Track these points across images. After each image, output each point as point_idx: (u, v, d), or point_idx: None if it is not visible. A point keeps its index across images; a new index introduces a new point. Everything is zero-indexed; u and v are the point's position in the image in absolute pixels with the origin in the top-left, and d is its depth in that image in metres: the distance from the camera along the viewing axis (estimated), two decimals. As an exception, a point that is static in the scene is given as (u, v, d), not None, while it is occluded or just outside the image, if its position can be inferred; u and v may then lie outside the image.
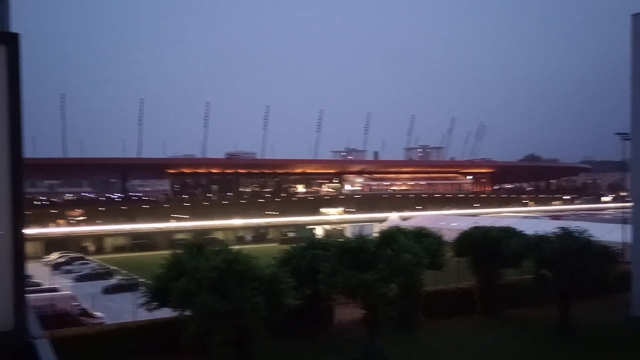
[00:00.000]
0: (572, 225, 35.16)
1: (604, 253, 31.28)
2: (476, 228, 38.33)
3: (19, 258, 3.02)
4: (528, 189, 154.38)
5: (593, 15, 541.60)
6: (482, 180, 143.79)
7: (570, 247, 30.30)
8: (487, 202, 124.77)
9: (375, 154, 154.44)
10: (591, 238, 32.14)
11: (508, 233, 36.32)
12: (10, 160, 2.98)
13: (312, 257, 31.40)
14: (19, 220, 3.03)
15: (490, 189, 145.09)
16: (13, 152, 2.99)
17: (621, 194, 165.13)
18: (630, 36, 35.31)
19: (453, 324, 34.62)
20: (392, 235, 31.01)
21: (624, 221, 70.74)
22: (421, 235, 35.35)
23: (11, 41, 2.99)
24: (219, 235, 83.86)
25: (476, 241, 36.19)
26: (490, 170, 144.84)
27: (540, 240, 32.61)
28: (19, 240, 3.02)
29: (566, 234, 32.22)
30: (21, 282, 3.05)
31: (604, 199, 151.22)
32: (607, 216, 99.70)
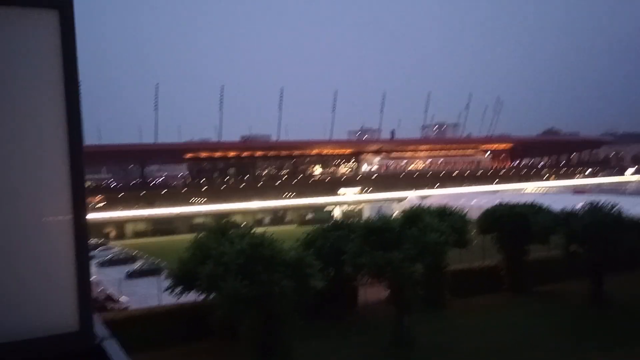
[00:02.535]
0: (597, 198, 34.48)
1: (636, 226, 30.64)
2: (501, 204, 37.80)
3: (82, 249, 2.63)
4: (548, 163, 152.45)
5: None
6: (500, 156, 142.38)
7: (601, 221, 29.68)
8: (506, 178, 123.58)
9: (392, 132, 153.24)
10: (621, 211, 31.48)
11: (534, 209, 35.76)
12: (69, 142, 2.58)
13: (336, 238, 31.21)
14: (80, 206, 2.63)
15: (510, 164, 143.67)
16: (71, 133, 2.60)
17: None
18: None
19: (481, 301, 34.28)
20: (416, 214, 30.60)
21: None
22: (445, 213, 34.96)
23: (64, 5, 2.56)
24: (238, 219, 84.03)
25: (502, 218, 35.69)
26: (508, 146, 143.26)
27: (569, 215, 32.03)
28: (81, 229, 2.62)
29: (595, 208, 31.59)
30: (85, 276, 2.66)
31: (627, 171, 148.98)
32: (631, 188, 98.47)
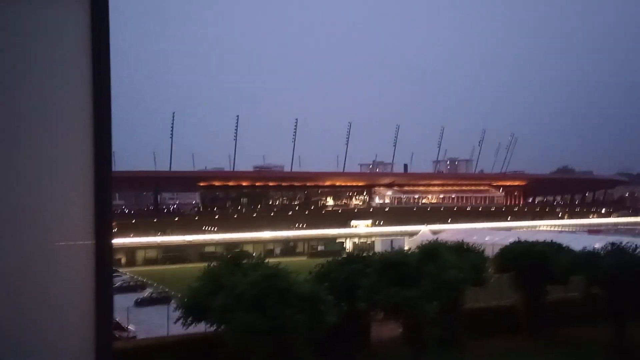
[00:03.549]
0: (612, 239, 33.50)
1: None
2: (519, 242, 36.98)
3: (104, 276, 2.37)
4: (562, 201, 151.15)
5: (629, 19, 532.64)
6: (514, 192, 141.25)
7: (625, 263, 28.79)
8: (519, 215, 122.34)
9: (405, 166, 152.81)
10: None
11: (553, 248, 34.90)
12: (94, 162, 2.34)
13: (350, 272, 30.51)
14: (105, 229, 2.38)
15: (523, 201, 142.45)
16: (98, 151, 2.35)
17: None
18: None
19: (497, 343, 33.13)
20: (434, 249, 29.95)
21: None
22: (462, 249, 34.26)
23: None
24: (248, 248, 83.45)
25: (520, 256, 34.80)
26: (522, 183, 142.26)
27: (590, 256, 31.18)
28: (105, 253, 2.37)
29: (618, 249, 30.74)
30: (105, 304, 2.41)
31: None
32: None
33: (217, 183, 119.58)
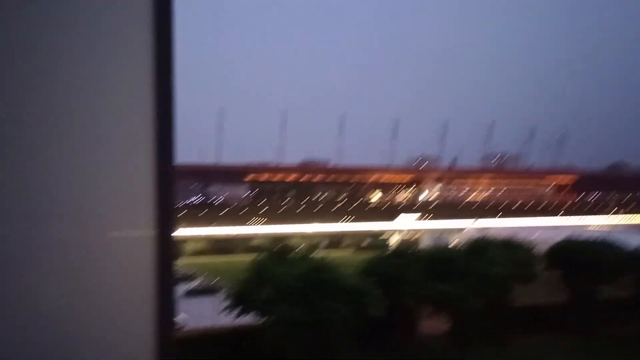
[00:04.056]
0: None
1: None
2: (571, 239, 36.28)
3: (166, 270, 2.29)
4: (615, 199, 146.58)
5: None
6: (564, 189, 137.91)
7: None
8: (570, 212, 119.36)
9: (453, 161, 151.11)
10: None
11: (605, 246, 34.11)
12: (156, 153, 2.30)
13: (396, 266, 30.53)
14: (167, 221, 2.31)
15: (573, 198, 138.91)
16: (161, 142, 2.32)
17: None
18: None
19: (543, 342, 32.63)
20: (481, 246, 29.71)
21: None
22: (510, 245, 33.80)
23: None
24: (295, 241, 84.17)
25: (571, 253, 34.17)
26: (573, 179, 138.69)
27: (642, 255, 30.41)
28: (167, 247, 2.30)
29: (673, 248, 29.89)
30: (167, 300, 2.30)
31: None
32: None
33: (264, 176, 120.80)
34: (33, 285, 2.09)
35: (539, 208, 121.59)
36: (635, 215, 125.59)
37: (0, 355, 2.05)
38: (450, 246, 31.90)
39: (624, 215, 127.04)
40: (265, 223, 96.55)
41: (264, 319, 26.51)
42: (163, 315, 2.29)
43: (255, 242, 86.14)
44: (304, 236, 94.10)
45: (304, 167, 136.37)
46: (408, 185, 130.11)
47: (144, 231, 2.26)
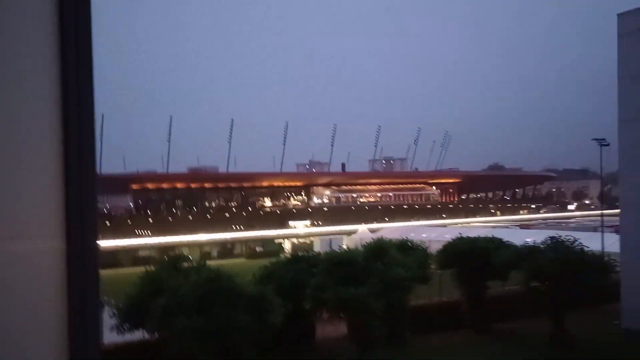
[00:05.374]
0: (544, 233, 34.24)
1: (599, 262, 30.61)
2: (460, 238, 37.35)
3: (84, 289, 1.90)
4: (495, 198, 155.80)
5: (557, 23, 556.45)
6: (449, 189, 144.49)
7: (565, 257, 29.44)
8: (454, 212, 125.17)
9: (343, 166, 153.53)
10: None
11: (495, 243, 35.39)
12: (68, 161, 1.95)
13: (295, 272, 29.94)
14: (83, 232, 1.93)
15: (457, 198, 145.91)
16: (73, 146, 1.98)
17: (585, 202, 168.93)
18: (617, 36, 34.92)
19: (440, 340, 33.32)
20: (381, 248, 29.72)
21: (594, 229, 71.37)
22: (406, 247, 34.21)
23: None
24: (185, 251, 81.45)
25: (462, 252, 35.13)
26: (457, 180, 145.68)
27: (531, 251, 31.73)
28: (84, 260, 1.90)
29: (557, 243, 31.41)
30: (86, 325, 1.93)
31: (569, 207, 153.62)
32: (573, 224, 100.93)
33: (150, 185, 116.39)
34: None
35: (426, 208, 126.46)
36: (513, 212, 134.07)
37: None
38: (346, 249, 31.71)
39: (504, 212, 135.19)
40: (153, 233, 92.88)
41: (160, 332, 25.09)
42: (79, 338, 1.94)
43: (142, 254, 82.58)
44: (194, 245, 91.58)
45: (193, 175, 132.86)
46: (299, 190, 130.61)
47: (54, 243, 1.95)
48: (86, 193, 1.89)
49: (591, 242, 47.06)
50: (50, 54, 1.94)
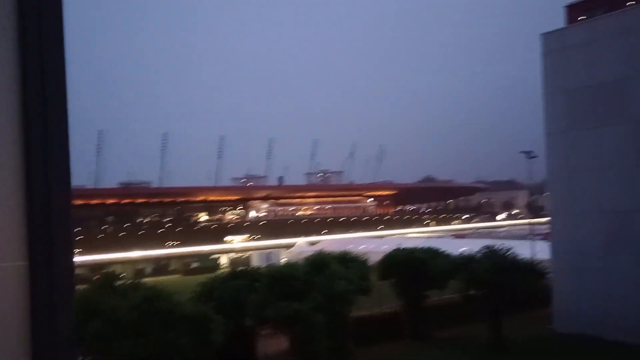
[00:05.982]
0: (477, 242, 35.14)
1: (531, 268, 31.58)
2: (399, 250, 37.71)
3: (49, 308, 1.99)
4: (428, 209, 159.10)
5: (482, 40, 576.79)
6: (384, 202, 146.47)
7: (500, 265, 30.28)
8: (391, 224, 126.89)
9: (280, 179, 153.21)
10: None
11: (431, 254, 35.95)
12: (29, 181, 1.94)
13: (235, 288, 29.27)
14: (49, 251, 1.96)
15: (393, 210, 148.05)
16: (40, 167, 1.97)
17: (513, 211, 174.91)
18: (540, 55, 36.49)
19: (383, 350, 33.46)
20: (322, 261, 29.50)
21: (523, 237, 73.91)
22: (346, 259, 34.14)
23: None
24: (117, 269, 78.86)
25: (400, 263, 35.48)
26: (392, 192, 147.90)
27: (467, 260, 32.45)
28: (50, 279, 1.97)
29: (492, 252, 32.26)
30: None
31: (498, 216, 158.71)
32: (503, 233, 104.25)
33: (78, 202, 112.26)
34: None
35: (363, 220, 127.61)
36: (446, 222, 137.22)
37: None
38: (285, 264, 31.39)
39: (438, 222, 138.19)
40: (83, 251, 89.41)
41: (94, 357, 23.89)
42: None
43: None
44: (127, 262, 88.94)
45: (124, 190, 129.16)
46: (236, 204, 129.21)
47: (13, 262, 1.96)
48: (55, 205, 1.73)
49: (522, 249, 48.82)
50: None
